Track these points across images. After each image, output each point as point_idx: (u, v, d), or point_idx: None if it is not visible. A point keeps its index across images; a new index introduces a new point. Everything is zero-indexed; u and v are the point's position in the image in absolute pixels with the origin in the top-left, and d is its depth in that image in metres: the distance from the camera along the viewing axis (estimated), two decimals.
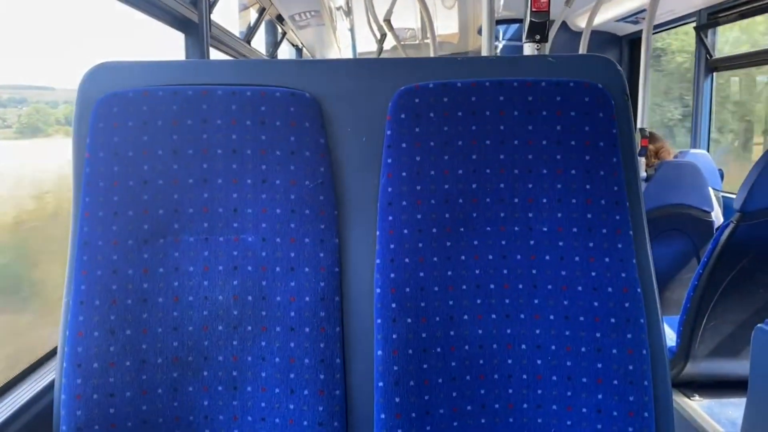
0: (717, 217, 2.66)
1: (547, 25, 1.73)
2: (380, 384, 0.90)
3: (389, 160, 0.94)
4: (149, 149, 0.92)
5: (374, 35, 4.74)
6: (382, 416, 0.89)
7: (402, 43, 4.47)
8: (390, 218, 0.93)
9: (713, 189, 2.76)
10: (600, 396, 0.90)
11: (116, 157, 0.91)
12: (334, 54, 5.96)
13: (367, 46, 5.54)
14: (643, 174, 2.67)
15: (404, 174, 0.93)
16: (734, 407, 1.91)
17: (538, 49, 1.77)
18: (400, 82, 0.95)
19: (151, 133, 0.92)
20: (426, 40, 5.46)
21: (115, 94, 0.92)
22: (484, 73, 0.97)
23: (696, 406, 1.94)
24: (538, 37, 1.74)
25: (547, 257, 0.92)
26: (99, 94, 0.93)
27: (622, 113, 0.94)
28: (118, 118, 0.92)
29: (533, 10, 1.70)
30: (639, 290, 0.91)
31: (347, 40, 5.48)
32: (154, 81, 0.95)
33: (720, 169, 3.27)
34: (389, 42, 4.73)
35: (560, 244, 0.92)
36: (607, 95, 0.93)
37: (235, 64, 1.08)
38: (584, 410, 0.90)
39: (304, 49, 5.35)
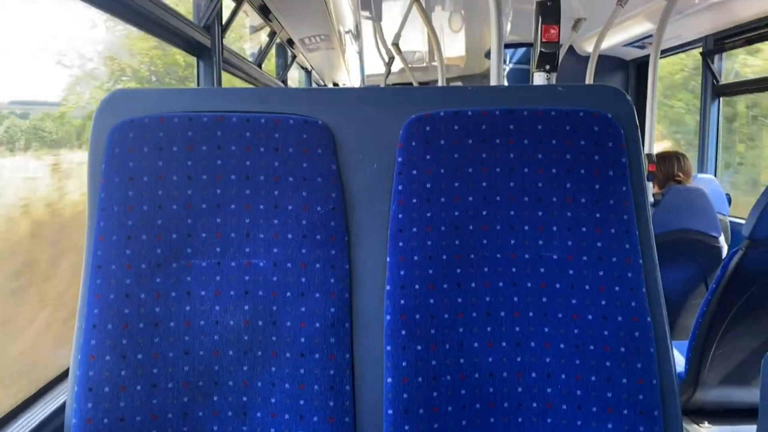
0: (724, 242, 2.65)
1: (557, 55, 1.76)
2: (390, 411, 0.89)
3: (400, 187, 0.95)
4: (164, 174, 0.93)
5: (382, 58, 4.80)
6: None
7: (410, 65, 4.53)
8: (400, 244, 0.94)
9: (720, 214, 2.75)
10: (610, 425, 0.89)
11: (131, 182, 0.93)
12: (342, 76, 6.03)
13: (375, 68, 5.60)
14: (650, 199, 2.67)
15: (415, 201, 0.94)
16: None
17: (548, 79, 1.79)
18: (410, 110, 0.97)
19: (166, 158, 0.93)
20: (434, 63, 5.51)
21: (131, 120, 0.94)
22: (494, 101, 0.98)
23: None
24: (548, 66, 1.76)
25: (558, 285, 0.92)
26: (115, 121, 0.94)
27: (632, 143, 0.95)
28: (134, 144, 0.93)
29: (543, 41, 1.73)
30: (649, 319, 0.91)
31: (356, 63, 5.55)
32: (169, 108, 0.97)
33: (727, 194, 3.27)
34: (397, 65, 4.78)
35: (570, 272, 0.92)
36: (616, 125, 0.94)
37: (250, 92, 1.10)
38: None
39: (313, 72, 5.41)
